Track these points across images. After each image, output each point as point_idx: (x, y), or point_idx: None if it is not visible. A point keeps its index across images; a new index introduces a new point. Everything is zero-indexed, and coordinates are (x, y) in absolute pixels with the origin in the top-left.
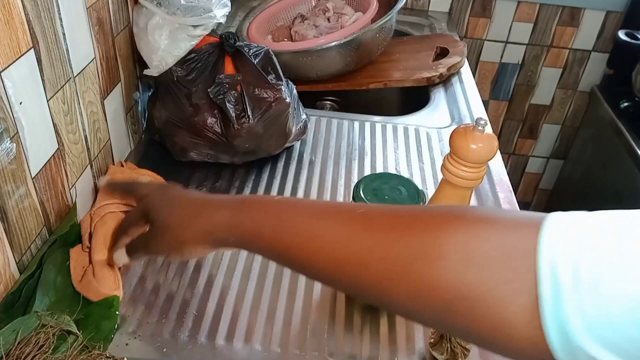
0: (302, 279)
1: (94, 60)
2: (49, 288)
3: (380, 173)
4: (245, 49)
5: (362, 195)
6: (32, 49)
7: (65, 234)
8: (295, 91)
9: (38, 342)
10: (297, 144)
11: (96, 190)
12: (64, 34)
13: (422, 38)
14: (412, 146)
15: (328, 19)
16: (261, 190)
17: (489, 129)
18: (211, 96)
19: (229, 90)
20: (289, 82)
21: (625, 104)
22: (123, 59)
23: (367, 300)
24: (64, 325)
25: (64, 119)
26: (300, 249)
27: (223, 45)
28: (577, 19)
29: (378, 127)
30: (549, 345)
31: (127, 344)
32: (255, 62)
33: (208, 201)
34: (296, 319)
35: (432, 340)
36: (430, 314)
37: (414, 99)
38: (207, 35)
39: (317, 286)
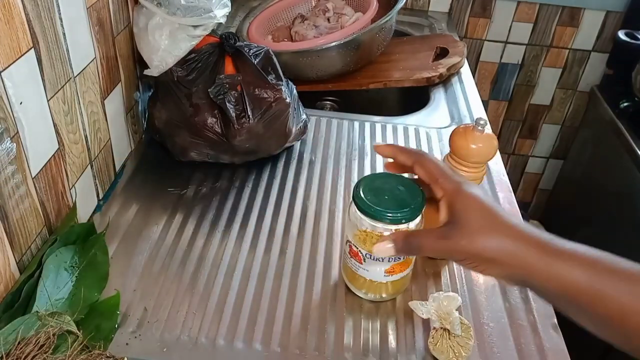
0: (302, 279)
1: (94, 60)
2: (49, 288)
3: (380, 173)
4: (246, 49)
5: (362, 195)
6: (32, 49)
7: (65, 233)
8: (295, 91)
9: (38, 342)
10: (297, 144)
11: (97, 190)
12: (64, 34)
13: (422, 38)
14: (412, 146)
15: (328, 19)
16: (261, 190)
17: (488, 129)
18: (211, 96)
19: (229, 90)
20: (289, 82)
21: (625, 104)
22: (123, 59)
23: None
24: (64, 325)
25: (64, 119)
26: (617, 318)
27: (223, 46)
28: (577, 19)
29: (378, 127)
30: None
31: (127, 344)
32: (256, 62)
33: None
34: (296, 319)
35: (432, 339)
36: None
37: (414, 99)
38: (207, 35)
39: (317, 286)
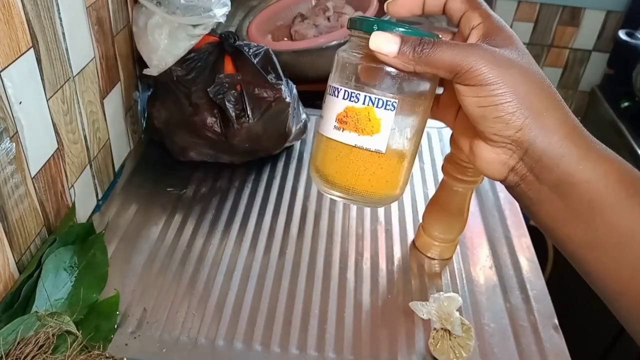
0: (302, 279)
1: (94, 59)
2: (48, 288)
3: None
4: (245, 48)
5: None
6: (32, 49)
7: (64, 234)
8: (295, 91)
9: (38, 342)
10: (297, 144)
11: (96, 190)
12: (63, 34)
13: None
14: None
15: (328, 19)
16: (261, 190)
17: None
18: (211, 96)
19: (229, 89)
20: (289, 81)
21: (626, 104)
22: (123, 59)
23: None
24: (63, 326)
25: (64, 119)
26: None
27: (223, 45)
28: (577, 18)
29: None
30: None
31: (126, 344)
32: (255, 61)
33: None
34: (296, 319)
35: (432, 340)
36: None
37: None
38: (206, 34)
39: (317, 286)
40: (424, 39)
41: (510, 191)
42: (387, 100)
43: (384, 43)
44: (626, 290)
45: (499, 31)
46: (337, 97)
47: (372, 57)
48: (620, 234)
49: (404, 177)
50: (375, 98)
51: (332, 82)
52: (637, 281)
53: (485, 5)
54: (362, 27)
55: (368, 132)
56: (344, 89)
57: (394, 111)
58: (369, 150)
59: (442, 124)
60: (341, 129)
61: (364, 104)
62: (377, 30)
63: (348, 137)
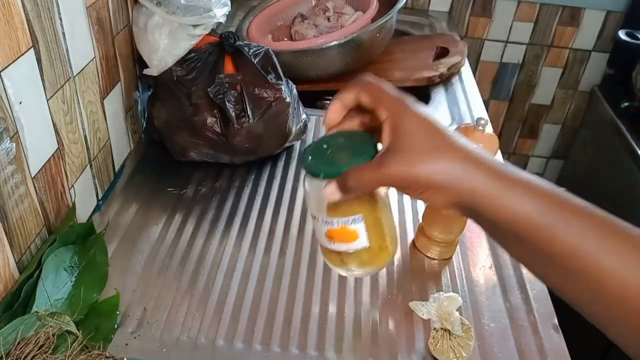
0: (302, 279)
1: (94, 59)
2: (48, 288)
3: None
4: (245, 48)
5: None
6: (32, 49)
7: (64, 233)
8: (295, 91)
9: (38, 342)
10: (297, 144)
11: (96, 190)
12: (63, 34)
13: (422, 38)
14: None
15: (328, 19)
16: (261, 190)
17: (489, 129)
18: (211, 96)
19: (229, 89)
20: (289, 81)
21: (626, 104)
22: (123, 59)
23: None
24: (63, 325)
25: (64, 119)
26: (563, 257)
27: (223, 45)
28: (577, 18)
29: None
30: None
31: (126, 344)
32: (255, 61)
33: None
34: (296, 319)
35: (432, 340)
36: None
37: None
38: (207, 34)
39: (317, 286)
40: (349, 170)
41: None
42: (354, 218)
43: (331, 195)
44: (583, 307)
45: (403, 118)
46: (318, 222)
47: None
48: (556, 252)
49: (393, 243)
50: (345, 219)
51: (311, 209)
52: (572, 293)
53: (388, 96)
54: (312, 173)
55: (351, 240)
56: (320, 217)
57: (362, 221)
58: (358, 249)
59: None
60: (332, 242)
61: (338, 225)
62: (323, 177)
63: (339, 246)
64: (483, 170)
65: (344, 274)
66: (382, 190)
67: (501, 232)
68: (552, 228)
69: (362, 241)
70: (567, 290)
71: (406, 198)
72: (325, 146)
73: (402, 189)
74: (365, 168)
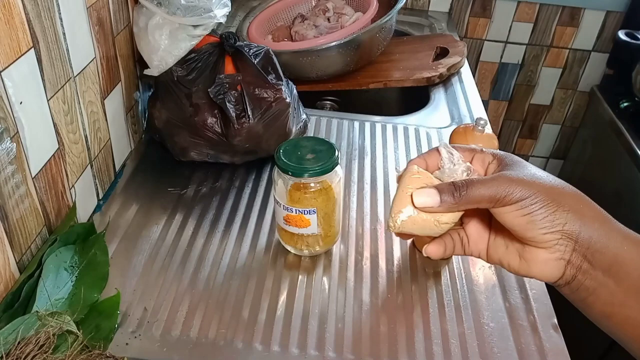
0: (302, 279)
1: (94, 60)
2: (49, 288)
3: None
4: (246, 48)
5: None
6: (32, 49)
7: (65, 233)
8: (295, 91)
9: (38, 342)
10: None
11: (97, 190)
12: (64, 34)
13: (422, 38)
14: (412, 146)
15: (328, 19)
16: (261, 190)
17: (488, 129)
18: (211, 96)
19: (229, 90)
20: (289, 82)
21: (625, 104)
22: (123, 59)
23: None
24: (64, 325)
25: (64, 119)
26: None
27: (223, 45)
28: (577, 19)
29: (378, 127)
30: None
31: (127, 344)
32: (256, 62)
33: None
34: (296, 318)
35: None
36: None
37: (414, 99)
38: (207, 35)
39: (317, 286)
40: (457, 184)
41: (566, 289)
42: (310, 210)
43: (427, 200)
44: None
45: (507, 159)
46: (280, 207)
47: (296, 186)
48: None
49: (337, 232)
50: (302, 210)
51: (275, 195)
52: None
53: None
54: (282, 170)
55: (305, 226)
56: (282, 204)
57: (316, 213)
58: (309, 234)
59: (442, 124)
60: (288, 224)
61: (296, 213)
62: (290, 174)
63: (293, 229)
64: (603, 215)
65: (293, 251)
66: (336, 189)
67: (613, 284)
68: None
69: (313, 228)
70: None
71: None
72: (296, 146)
73: (508, 205)
74: (483, 181)
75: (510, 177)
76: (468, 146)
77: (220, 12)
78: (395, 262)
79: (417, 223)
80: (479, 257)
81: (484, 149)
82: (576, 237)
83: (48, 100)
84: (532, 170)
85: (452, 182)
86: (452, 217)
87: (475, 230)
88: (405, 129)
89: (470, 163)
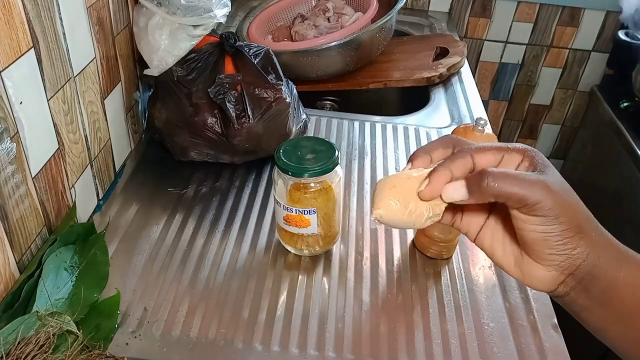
0: (302, 279)
1: (94, 60)
2: (49, 288)
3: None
4: (246, 48)
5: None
6: (32, 49)
7: (65, 233)
8: (295, 91)
9: (38, 342)
10: None
11: (97, 189)
12: (64, 34)
13: (422, 38)
14: (412, 146)
15: (328, 19)
16: (261, 190)
17: (488, 129)
18: (211, 96)
19: (229, 90)
20: (289, 82)
21: (625, 104)
22: (123, 59)
23: None
24: (64, 325)
25: (64, 119)
26: None
27: (223, 45)
28: (577, 19)
29: (378, 127)
30: None
31: (127, 344)
32: (256, 62)
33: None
34: (296, 318)
35: None
36: None
37: (414, 99)
38: (207, 35)
39: (317, 286)
40: (486, 172)
41: (558, 300)
42: (310, 210)
43: (455, 193)
44: None
45: (539, 160)
46: (280, 207)
47: (296, 186)
48: None
49: (337, 232)
50: (302, 210)
51: (275, 195)
52: None
53: (514, 144)
54: (282, 170)
55: (304, 226)
56: (282, 204)
57: (316, 213)
58: (309, 234)
59: (442, 124)
60: (287, 224)
61: (296, 213)
62: (290, 174)
63: (293, 229)
64: (609, 241)
65: (293, 251)
66: (336, 189)
67: (609, 306)
68: None
69: (313, 228)
70: None
71: None
72: (296, 146)
73: (532, 212)
74: (518, 177)
75: (547, 187)
76: (494, 145)
77: (220, 12)
78: (395, 262)
79: (396, 217)
80: (464, 234)
81: (509, 146)
82: (579, 264)
83: (48, 100)
84: (562, 181)
85: (483, 171)
86: (434, 211)
87: (475, 207)
88: (405, 129)
89: (500, 164)
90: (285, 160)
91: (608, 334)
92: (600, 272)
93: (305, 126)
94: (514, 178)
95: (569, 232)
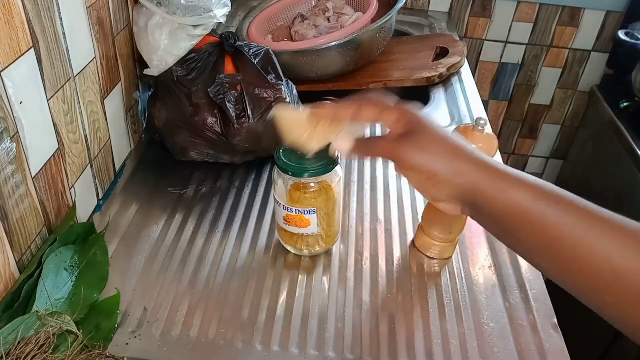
0: (302, 279)
1: (94, 60)
2: (49, 288)
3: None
4: (246, 48)
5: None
6: (32, 49)
7: (65, 233)
8: (295, 91)
9: (38, 342)
10: None
11: (97, 189)
12: (64, 34)
13: (422, 38)
14: None
15: (328, 19)
16: (261, 190)
17: (488, 129)
18: (211, 96)
19: (229, 90)
20: (289, 82)
21: (625, 104)
22: (123, 59)
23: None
24: (64, 325)
25: (64, 119)
26: (557, 243)
27: (223, 45)
28: (577, 19)
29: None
30: None
31: (127, 344)
32: (256, 62)
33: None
34: (296, 318)
35: None
36: None
37: (414, 99)
38: (207, 35)
39: (317, 285)
40: (368, 138)
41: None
42: (310, 210)
43: (343, 144)
44: (573, 288)
45: (416, 116)
46: (280, 207)
47: (296, 186)
48: (549, 238)
49: (337, 232)
50: (302, 210)
51: (275, 196)
52: (569, 280)
53: (391, 104)
54: (282, 170)
55: (304, 226)
56: (282, 204)
57: (316, 213)
58: (309, 234)
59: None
60: (288, 224)
61: (296, 213)
62: (290, 174)
63: (293, 229)
64: (482, 167)
65: (293, 251)
66: (336, 189)
67: (499, 226)
68: (544, 215)
69: (313, 228)
70: (566, 279)
71: (406, 198)
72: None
73: (408, 170)
74: (384, 139)
75: (405, 144)
76: (381, 103)
77: (220, 12)
78: (395, 262)
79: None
80: None
81: (392, 105)
82: (461, 195)
83: (48, 100)
84: (427, 132)
85: (368, 137)
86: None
87: None
88: None
89: (380, 118)
90: (285, 160)
91: (516, 249)
92: (485, 200)
93: None
94: (383, 141)
95: (430, 181)
